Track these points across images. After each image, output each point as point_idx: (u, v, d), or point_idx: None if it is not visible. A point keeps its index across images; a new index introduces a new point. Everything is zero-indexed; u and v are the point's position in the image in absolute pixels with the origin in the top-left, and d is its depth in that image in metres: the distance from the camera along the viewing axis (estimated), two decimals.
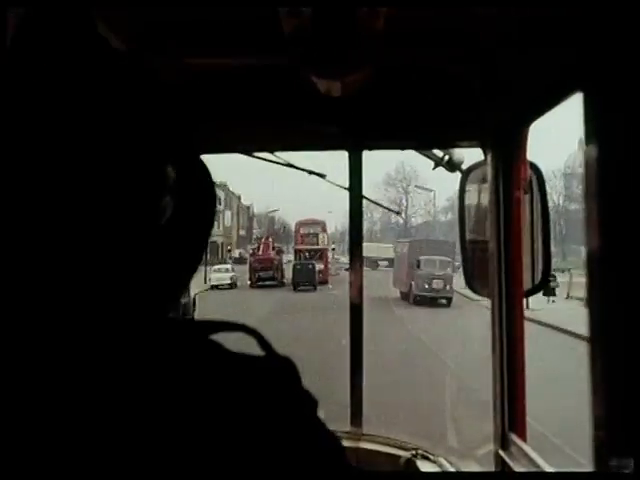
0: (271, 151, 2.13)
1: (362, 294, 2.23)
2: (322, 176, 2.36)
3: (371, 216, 60.73)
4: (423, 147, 2.12)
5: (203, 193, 0.75)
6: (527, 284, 2.11)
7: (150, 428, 0.61)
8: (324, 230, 36.62)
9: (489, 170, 1.76)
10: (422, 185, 52.82)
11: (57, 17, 0.65)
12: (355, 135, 1.95)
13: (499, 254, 1.78)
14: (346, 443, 2.06)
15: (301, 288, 29.14)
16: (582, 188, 0.98)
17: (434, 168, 2.16)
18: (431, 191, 53.62)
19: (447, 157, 2.12)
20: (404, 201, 59.42)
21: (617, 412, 0.89)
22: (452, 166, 2.12)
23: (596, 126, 0.93)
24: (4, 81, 0.64)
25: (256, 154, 2.12)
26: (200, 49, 1.61)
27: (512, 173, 1.71)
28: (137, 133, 0.66)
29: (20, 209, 0.62)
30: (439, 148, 2.11)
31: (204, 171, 0.75)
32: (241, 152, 2.07)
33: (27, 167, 0.62)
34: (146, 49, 1.52)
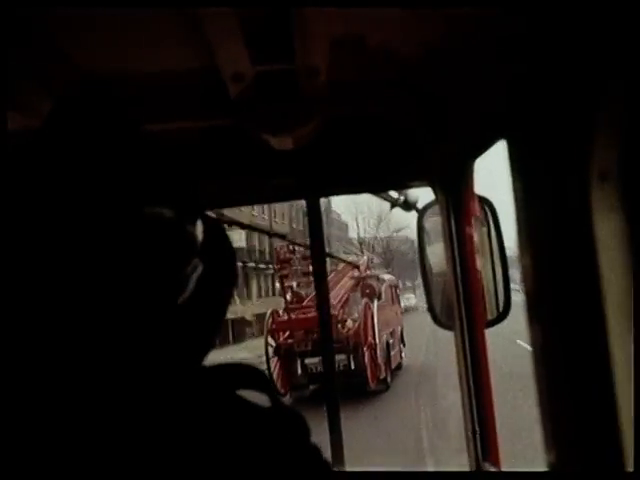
0: (234, 206, 2.18)
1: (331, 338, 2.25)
2: (283, 237, 2.42)
3: None
4: (377, 190, 2.18)
5: (227, 258, 0.81)
6: (493, 314, 2.18)
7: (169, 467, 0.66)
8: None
9: (439, 207, 1.82)
10: None
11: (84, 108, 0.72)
12: (311, 184, 2.01)
13: (457, 288, 1.83)
14: None
15: None
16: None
17: (391, 209, 2.22)
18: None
19: (402, 198, 2.19)
20: None
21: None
22: (408, 206, 2.19)
23: (517, 173, 0.99)
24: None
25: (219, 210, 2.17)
26: (156, 116, 1.66)
27: (460, 209, 1.78)
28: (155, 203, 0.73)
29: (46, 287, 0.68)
30: (392, 190, 2.18)
31: (225, 237, 0.82)
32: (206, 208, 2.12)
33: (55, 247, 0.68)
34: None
